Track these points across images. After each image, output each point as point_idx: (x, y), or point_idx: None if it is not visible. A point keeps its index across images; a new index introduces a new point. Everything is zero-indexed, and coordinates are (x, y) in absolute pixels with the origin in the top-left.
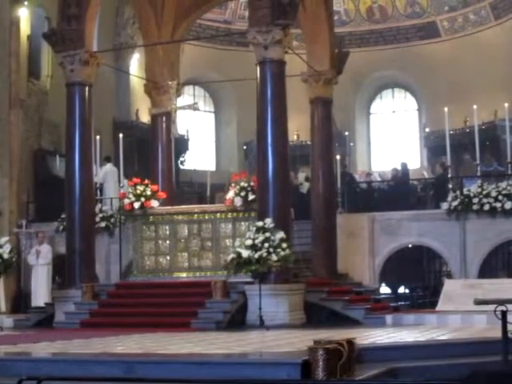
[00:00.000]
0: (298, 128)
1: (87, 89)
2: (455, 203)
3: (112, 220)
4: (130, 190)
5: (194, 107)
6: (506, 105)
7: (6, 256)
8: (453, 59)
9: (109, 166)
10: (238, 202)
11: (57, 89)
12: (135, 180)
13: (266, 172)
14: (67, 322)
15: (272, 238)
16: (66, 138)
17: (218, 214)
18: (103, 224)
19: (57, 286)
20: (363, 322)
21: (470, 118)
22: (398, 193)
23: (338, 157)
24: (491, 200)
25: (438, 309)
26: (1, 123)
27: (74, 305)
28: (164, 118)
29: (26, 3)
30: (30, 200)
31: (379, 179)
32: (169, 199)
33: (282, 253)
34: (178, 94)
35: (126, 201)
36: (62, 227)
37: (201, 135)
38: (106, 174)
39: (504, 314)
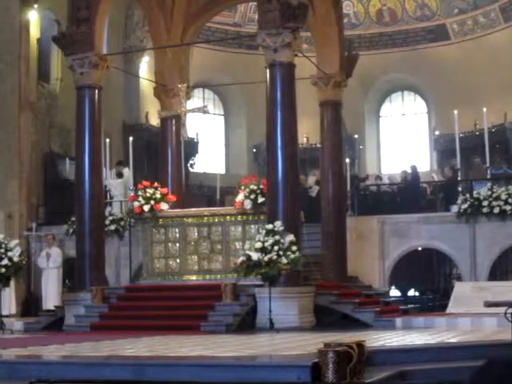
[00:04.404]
0: (308, 131)
1: (97, 92)
2: (465, 206)
3: (122, 223)
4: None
5: (203, 110)
6: None
7: (15, 259)
8: (462, 62)
9: (126, 172)
10: (248, 204)
11: (66, 92)
12: (145, 183)
13: (276, 175)
14: (77, 325)
15: (282, 240)
16: (75, 141)
17: (228, 217)
18: (113, 227)
19: (67, 289)
20: (373, 324)
21: (480, 121)
22: (408, 195)
23: (347, 160)
24: (501, 203)
25: (447, 311)
26: (10, 126)
27: (84, 308)
28: (174, 121)
29: (35, 6)
30: (39, 203)
31: (387, 182)
32: (178, 202)
33: (292, 256)
34: (188, 96)
35: (136, 204)
36: (71, 230)
37: (210, 138)
38: (119, 184)
39: None
